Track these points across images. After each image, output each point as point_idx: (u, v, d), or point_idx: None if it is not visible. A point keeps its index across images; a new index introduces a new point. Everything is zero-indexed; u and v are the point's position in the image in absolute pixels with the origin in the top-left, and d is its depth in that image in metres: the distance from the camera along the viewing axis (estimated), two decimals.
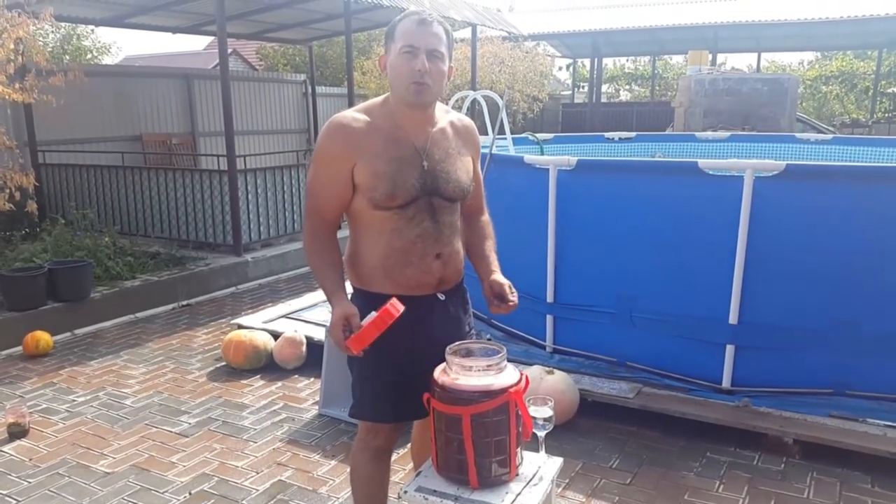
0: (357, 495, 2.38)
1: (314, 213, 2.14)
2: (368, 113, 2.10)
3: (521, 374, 2.03)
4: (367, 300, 2.09)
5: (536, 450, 2.17)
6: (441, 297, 2.18)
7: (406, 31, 2.00)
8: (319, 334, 4.39)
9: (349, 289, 2.18)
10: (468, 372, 1.96)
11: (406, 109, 2.07)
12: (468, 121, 2.29)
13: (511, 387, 1.95)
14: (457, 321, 2.25)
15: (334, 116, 2.10)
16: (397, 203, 2.03)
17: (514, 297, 2.17)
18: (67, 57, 17.99)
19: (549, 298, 4.10)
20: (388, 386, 2.16)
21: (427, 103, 2.07)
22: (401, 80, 2.02)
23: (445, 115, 2.21)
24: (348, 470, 3.26)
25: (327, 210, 2.12)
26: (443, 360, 2.04)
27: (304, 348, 4.51)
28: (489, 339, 2.16)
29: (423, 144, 2.09)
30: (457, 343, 2.06)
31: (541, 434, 2.13)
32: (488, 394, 1.92)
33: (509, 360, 2.06)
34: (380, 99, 2.16)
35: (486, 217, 2.39)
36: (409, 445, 2.74)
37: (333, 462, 3.36)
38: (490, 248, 2.33)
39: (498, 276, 2.23)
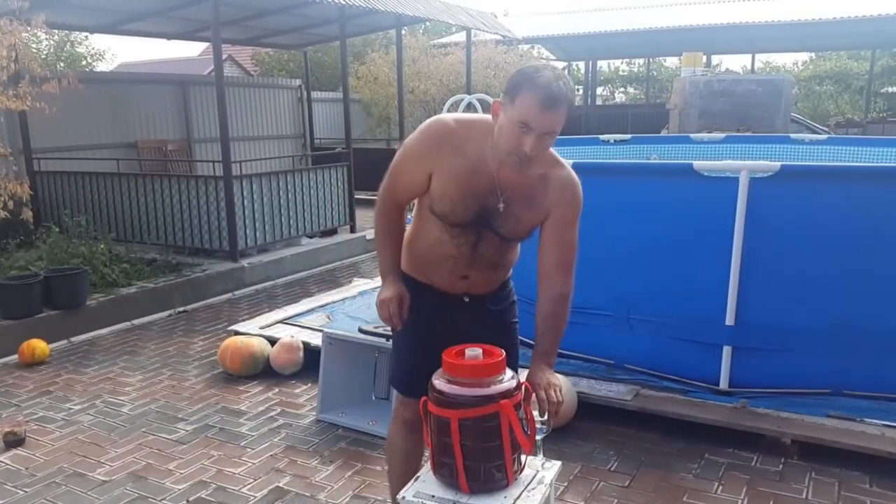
0: (389, 465, 2.56)
1: (389, 195, 2.21)
2: (469, 130, 2.04)
3: (519, 382, 2.01)
4: (405, 281, 2.27)
5: (535, 453, 2.16)
6: (465, 299, 2.27)
7: (528, 108, 1.87)
8: (316, 340, 4.38)
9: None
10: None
11: None
12: (570, 180, 2.12)
13: (504, 394, 1.93)
14: (481, 313, 2.28)
15: (436, 118, 2.12)
16: (448, 222, 2.12)
17: (548, 405, 2.01)
18: (62, 64, 17.97)
19: None
20: (408, 363, 2.35)
21: (522, 170, 2.02)
22: (505, 146, 1.95)
23: (545, 166, 2.08)
24: (346, 475, 3.28)
25: (401, 196, 2.22)
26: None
27: (301, 354, 4.50)
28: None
29: (505, 187, 2.06)
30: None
31: (539, 437, 2.12)
32: (479, 399, 1.91)
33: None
34: (485, 123, 2.05)
35: (561, 290, 2.14)
36: None
37: (331, 468, 3.35)
38: (544, 333, 2.15)
39: (535, 374, 2.07)
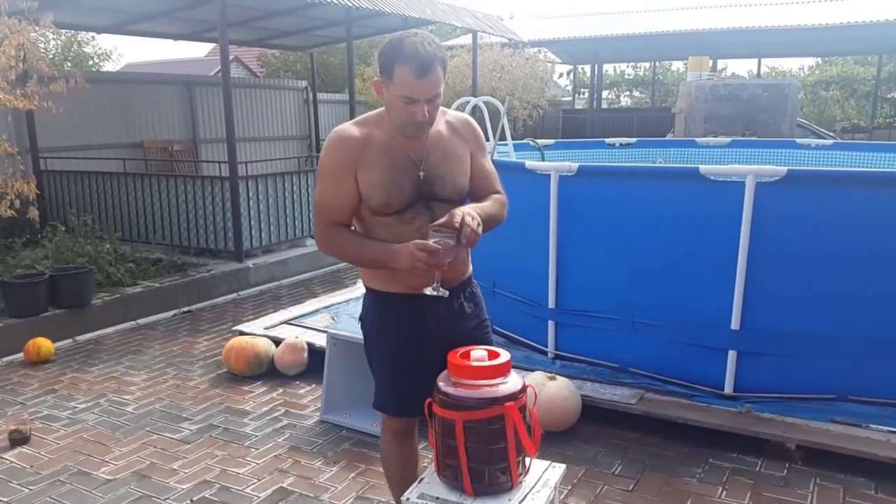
0: (386, 473, 2.56)
1: (330, 224, 2.15)
2: (365, 125, 2.16)
3: (524, 384, 2.01)
4: (377, 299, 2.26)
5: (435, 289, 2.06)
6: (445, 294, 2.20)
7: (405, 82, 1.96)
8: (321, 340, 4.38)
9: (361, 288, 2.30)
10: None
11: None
12: (464, 117, 2.29)
13: (509, 397, 1.93)
14: (461, 315, 2.27)
15: (332, 131, 2.16)
16: (393, 210, 2.10)
17: (460, 222, 1.94)
18: (69, 63, 18.03)
19: (551, 304, 4.09)
20: (396, 383, 2.27)
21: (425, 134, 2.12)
22: (400, 120, 2.06)
23: (442, 117, 2.22)
24: (350, 476, 3.28)
25: (341, 215, 2.16)
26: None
27: (305, 354, 4.51)
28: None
29: (419, 153, 2.13)
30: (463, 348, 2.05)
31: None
32: (484, 401, 1.91)
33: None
34: (376, 113, 2.19)
35: (499, 196, 2.28)
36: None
37: (335, 469, 3.35)
38: (481, 204, 2.17)
39: (460, 208, 2.03)
